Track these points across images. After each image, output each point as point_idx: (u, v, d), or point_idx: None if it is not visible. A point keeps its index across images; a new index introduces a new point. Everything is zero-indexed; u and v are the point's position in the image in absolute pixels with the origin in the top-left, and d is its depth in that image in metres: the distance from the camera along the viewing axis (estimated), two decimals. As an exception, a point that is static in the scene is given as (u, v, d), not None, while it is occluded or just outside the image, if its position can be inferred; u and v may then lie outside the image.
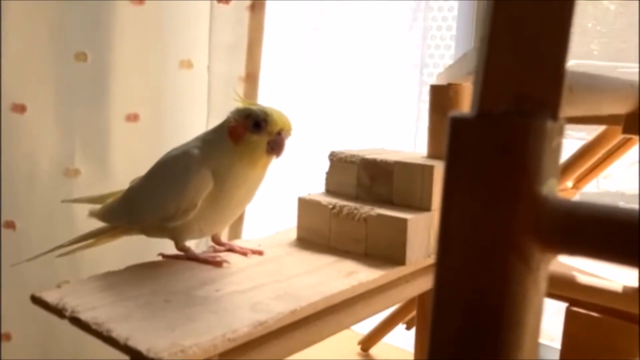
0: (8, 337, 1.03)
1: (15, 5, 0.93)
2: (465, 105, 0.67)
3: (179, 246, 0.62)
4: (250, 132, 0.59)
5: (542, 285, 0.26)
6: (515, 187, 0.24)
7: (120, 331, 0.42)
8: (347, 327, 0.57)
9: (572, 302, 0.65)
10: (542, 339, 1.26)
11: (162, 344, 0.40)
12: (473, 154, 0.25)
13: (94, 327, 0.43)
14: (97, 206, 0.69)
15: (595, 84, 0.34)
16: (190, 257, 0.62)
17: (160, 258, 0.62)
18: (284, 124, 0.61)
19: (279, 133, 0.60)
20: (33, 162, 1.00)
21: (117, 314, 0.45)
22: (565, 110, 0.32)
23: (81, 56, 1.00)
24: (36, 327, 1.03)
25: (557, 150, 0.25)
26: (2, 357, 1.03)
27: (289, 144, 0.62)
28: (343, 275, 0.56)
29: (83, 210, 1.00)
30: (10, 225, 1.01)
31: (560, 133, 0.25)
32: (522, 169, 0.24)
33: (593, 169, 0.75)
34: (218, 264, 0.59)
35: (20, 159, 0.99)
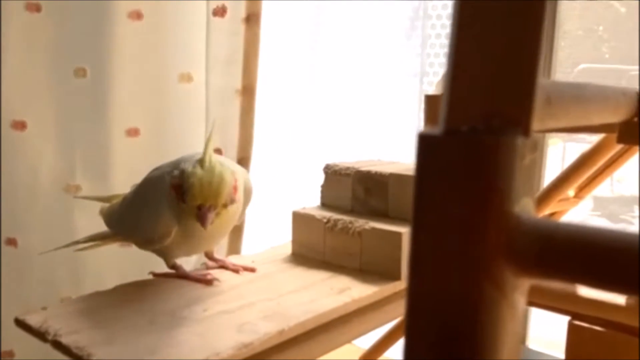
0: (11, 354, 1.03)
1: (15, 21, 0.94)
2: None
3: (169, 264, 0.62)
4: (181, 200, 0.57)
5: (519, 309, 0.25)
6: (485, 207, 0.23)
7: (101, 355, 0.41)
8: (341, 345, 0.56)
9: (575, 315, 0.63)
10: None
11: (142, 368, 0.39)
12: (441, 173, 0.24)
13: (75, 351, 0.42)
14: (106, 205, 0.70)
15: (581, 94, 0.33)
16: (180, 275, 0.61)
17: (151, 276, 0.62)
18: (206, 198, 0.56)
19: (199, 207, 0.56)
20: (34, 178, 1.00)
21: (99, 338, 0.44)
22: (546, 123, 0.31)
23: (80, 72, 1.00)
24: (38, 344, 1.02)
25: (531, 167, 0.24)
26: (6, 375, 1.02)
27: (211, 216, 0.57)
28: (336, 292, 0.55)
29: (84, 226, 1.00)
30: (12, 242, 1.01)
31: (533, 150, 0.24)
32: (492, 189, 0.23)
33: (595, 177, 0.73)
34: (208, 282, 0.58)
35: (20, 176, 0.99)
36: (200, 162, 0.57)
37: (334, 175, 0.69)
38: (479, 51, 0.23)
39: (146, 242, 0.59)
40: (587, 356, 0.63)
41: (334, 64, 1.22)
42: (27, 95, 0.97)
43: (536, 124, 0.28)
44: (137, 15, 0.99)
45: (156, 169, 0.63)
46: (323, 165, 0.71)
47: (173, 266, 0.62)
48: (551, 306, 0.65)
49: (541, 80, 0.26)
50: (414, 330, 0.25)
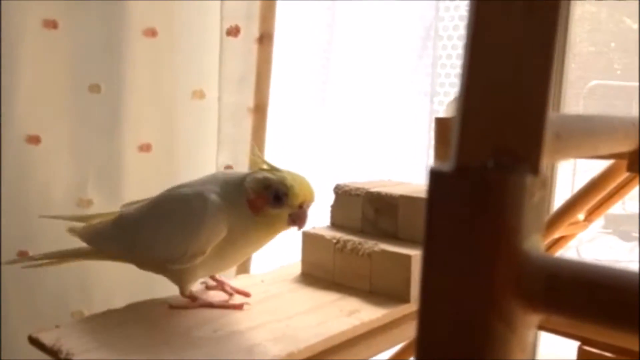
0: (23, 366, 1.04)
1: (32, 37, 0.95)
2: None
3: (185, 293, 0.60)
4: (271, 206, 0.57)
5: (527, 343, 0.25)
6: (494, 244, 0.23)
7: (112, 376, 0.41)
8: (349, 367, 0.56)
9: (584, 341, 0.63)
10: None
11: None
12: (452, 209, 0.24)
13: (87, 371, 0.42)
14: (78, 224, 0.69)
15: (589, 128, 0.33)
16: (203, 305, 0.59)
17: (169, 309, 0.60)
18: (306, 195, 0.58)
19: (300, 206, 0.58)
20: (46, 192, 1.01)
21: (111, 357, 0.44)
22: (555, 157, 0.31)
23: (95, 88, 1.01)
24: (48, 357, 1.03)
25: (540, 205, 0.24)
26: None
27: (310, 214, 0.60)
28: (345, 314, 0.55)
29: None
30: (24, 255, 1.02)
31: (542, 187, 0.25)
32: (501, 226, 0.23)
33: (605, 201, 0.73)
34: (239, 307, 0.58)
35: (34, 190, 1.00)
36: (272, 168, 0.59)
37: (344, 195, 0.70)
38: (490, 89, 0.24)
39: (169, 261, 0.58)
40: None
41: (345, 83, 1.23)
42: (42, 110, 0.98)
43: (545, 159, 0.28)
44: (152, 33, 1.01)
45: (178, 187, 0.63)
46: (333, 185, 0.72)
47: (190, 295, 0.60)
48: (561, 331, 0.65)
49: (550, 115, 0.27)
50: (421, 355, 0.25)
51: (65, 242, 1.01)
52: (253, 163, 0.62)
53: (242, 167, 0.94)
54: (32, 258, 0.71)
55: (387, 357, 0.96)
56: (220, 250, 0.58)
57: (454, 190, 0.24)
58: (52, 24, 0.98)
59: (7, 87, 0.95)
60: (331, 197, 0.72)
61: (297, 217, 0.58)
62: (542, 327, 0.66)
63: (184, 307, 0.59)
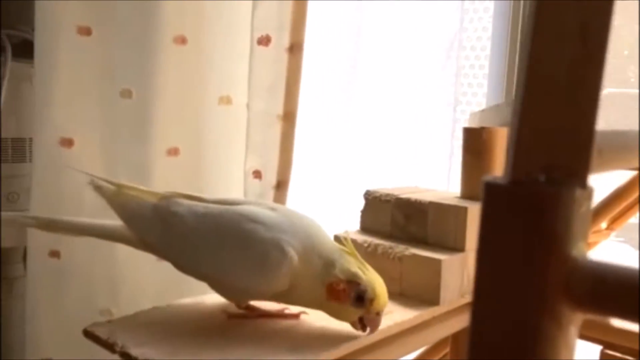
0: (50, 363, 1.07)
1: (67, 43, 0.98)
2: (499, 147, 0.69)
3: (242, 306, 0.61)
4: (350, 303, 0.55)
5: (573, 343, 0.28)
6: (546, 251, 0.26)
7: (166, 368, 0.44)
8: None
9: (607, 345, 0.65)
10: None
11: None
12: (506, 219, 0.27)
13: (141, 362, 0.45)
14: (109, 186, 0.66)
15: (625, 142, 0.35)
16: (260, 314, 0.60)
17: (225, 316, 0.60)
18: (385, 304, 0.56)
19: (377, 313, 0.56)
20: (78, 194, 1.04)
21: (163, 351, 0.47)
22: (596, 171, 0.33)
23: (126, 93, 1.04)
24: (75, 353, 1.06)
25: (586, 214, 0.27)
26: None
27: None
28: (379, 315, 0.58)
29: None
30: (55, 254, 1.04)
31: (589, 199, 0.27)
32: (552, 234, 0.26)
33: (628, 210, 0.75)
34: (294, 316, 0.59)
35: (65, 191, 1.02)
36: (361, 265, 0.57)
37: (374, 201, 0.73)
38: (543, 108, 0.26)
39: (225, 289, 0.58)
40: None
41: (370, 92, 1.26)
42: (75, 114, 1.01)
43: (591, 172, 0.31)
44: (182, 40, 1.03)
45: (250, 220, 0.59)
46: (363, 191, 0.74)
47: (247, 307, 0.60)
48: (584, 335, 0.67)
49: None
50: (475, 350, 0.28)
51: (96, 243, 1.04)
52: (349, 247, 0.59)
53: (270, 172, 0.96)
54: (60, 223, 0.70)
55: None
56: (279, 295, 0.58)
57: (509, 201, 0.27)
58: (86, 31, 1.00)
59: (42, 91, 0.97)
60: (360, 202, 0.75)
61: (372, 323, 0.55)
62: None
63: (243, 317, 0.59)
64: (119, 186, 0.66)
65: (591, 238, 0.77)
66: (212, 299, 0.62)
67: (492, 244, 0.27)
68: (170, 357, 0.46)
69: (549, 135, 0.27)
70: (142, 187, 0.67)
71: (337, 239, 0.62)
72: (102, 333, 0.50)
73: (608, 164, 0.33)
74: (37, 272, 1.02)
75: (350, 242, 0.59)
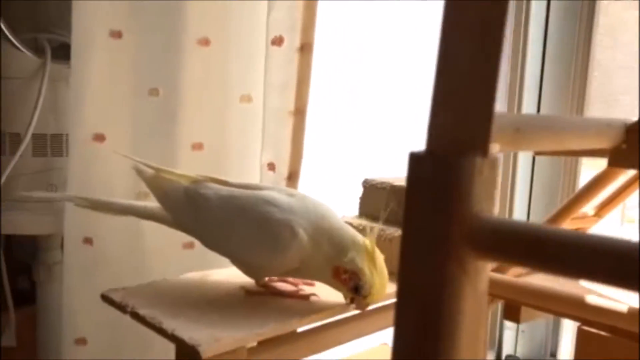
0: (84, 341, 1.15)
1: (100, 46, 1.05)
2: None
3: (260, 283, 0.67)
4: (348, 290, 0.62)
5: (479, 289, 0.33)
6: (452, 208, 0.32)
7: (169, 324, 0.51)
8: (367, 334, 0.64)
9: (584, 321, 0.70)
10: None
11: (201, 335, 0.49)
12: (423, 183, 0.33)
13: (149, 320, 0.52)
14: (148, 169, 0.72)
15: (551, 125, 0.41)
16: (274, 293, 0.65)
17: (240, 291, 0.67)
18: (378, 299, 0.62)
19: (367, 304, 0.62)
20: (109, 186, 1.11)
21: (169, 312, 0.54)
22: (519, 146, 0.39)
23: (154, 92, 1.10)
24: (108, 333, 1.14)
25: (489, 179, 0.33)
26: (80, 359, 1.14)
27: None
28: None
29: (152, 231, 1.12)
30: (89, 241, 1.12)
31: (492, 167, 0.33)
32: (456, 195, 0.32)
33: (615, 197, 0.79)
34: (305, 298, 0.64)
35: (98, 184, 1.10)
36: (372, 259, 0.62)
37: (371, 188, 0.79)
38: (450, 93, 0.32)
39: (242, 264, 0.64)
40: (594, 358, 0.69)
41: (375, 88, 1.32)
42: (107, 111, 1.08)
43: (508, 147, 0.37)
44: (205, 42, 1.10)
45: (268, 203, 0.65)
46: (362, 180, 0.80)
47: (263, 285, 0.66)
48: (564, 312, 0.71)
49: (509, 114, 0.35)
50: (403, 296, 0.34)
51: (127, 233, 1.12)
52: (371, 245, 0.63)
53: (282, 165, 1.03)
54: (107, 204, 0.76)
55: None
56: (290, 271, 0.64)
57: (423, 168, 0.33)
58: (117, 34, 1.07)
59: (77, 90, 1.04)
60: (359, 190, 0.81)
61: (359, 307, 0.62)
62: (548, 310, 0.72)
63: (258, 294, 0.65)
64: (157, 169, 0.73)
65: (578, 224, 0.81)
66: (217, 274, 0.69)
67: (412, 204, 0.33)
68: (174, 318, 0.53)
69: (456, 115, 0.32)
70: (177, 171, 0.74)
71: (362, 232, 0.67)
72: (116, 297, 0.57)
73: (530, 141, 0.38)
74: (72, 258, 1.10)
75: (373, 239, 0.63)
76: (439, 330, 0.32)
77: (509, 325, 1.41)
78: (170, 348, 0.51)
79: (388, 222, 0.76)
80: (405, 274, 0.33)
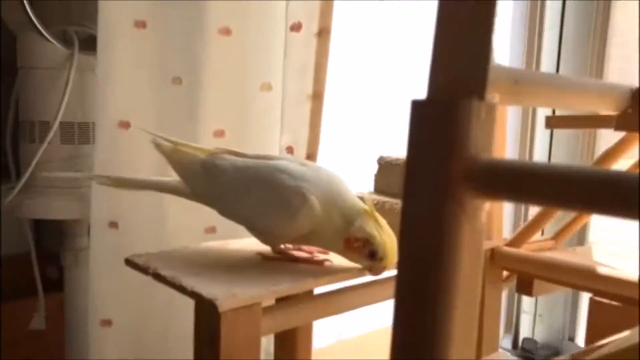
0: (109, 323, 1.18)
1: (125, 36, 1.08)
2: (498, 121, 0.74)
3: (276, 250, 0.69)
4: (363, 257, 0.63)
5: (477, 226, 0.35)
6: (451, 149, 0.34)
7: (188, 282, 0.54)
8: (381, 300, 0.66)
9: (596, 292, 0.71)
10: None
11: (219, 291, 0.51)
12: (424, 126, 0.35)
13: (169, 279, 0.55)
14: (166, 143, 0.75)
15: (551, 81, 0.42)
16: (289, 258, 0.68)
17: (257, 256, 0.69)
18: (392, 262, 0.64)
19: (384, 267, 0.64)
20: (134, 171, 1.14)
21: (189, 273, 0.57)
22: (518, 99, 0.41)
23: (177, 80, 1.13)
24: (134, 316, 1.17)
25: (486, 122, 0.34)
26: (104, 341, 1.17)
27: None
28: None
29: (174, 214, 1.15)
30: (114, 225, 1.16)
31: (490, 111, 0.35)
32: (454, 136, 0.34)
33: (571, 223, 0.81)
34: (319, 263, 0.66)
35: (124, 169, 1.13)
36: (377, 223, 0.64)
37: (386, 165, 0.81)
38: (449, 45, 0.34)
39: (256, 231, 0.66)
40: (606, 328, 0.70)
41: (389, 72, 1.34)
42: (132, 99, 1.10)
43: (507, 98, 0.38)
44: (227, 32, 1.12)
45: (280, 171, 0.67)
46: (377, 157, 0.82)
47: (279, 251, 0.68)
48: (574, 283, 0.72)
49: (510, 67, 0.37)
50: (404, 237, 0.36)
51: (151, 217, 1.15)
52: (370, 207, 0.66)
53: (301, 147, 1.05)
54: (128, 180, 0.80)
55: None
56: (301, 239, 0.66)
57: (426, 113, 0.35)
58: (141, 24, 1.10)
59: (103, 79, 1.07)
60: (375, 167, 0.83)
61: (376, 273, 0.64)
62: (561, 282, 0.74)
63: (274, 259, 0.67)
64: (175, 143, 0.76)
65: (537, 247, 0.82)
66: (236, 243, 0.72)
67: (413, 146, 0.35)
68: (193, 277, 0.55)
69: (453, 63, 0.34)
70: (194, 145, 0.76)
71: (360, 199, 0.68)
72: (139, 260, 0.60)
73: (529, 95, 0.40)
74: (99, 241, 1.13)
75: (371, 203, 0.66)
76: (437, 265, 0.34)
77: (526, 309, 1.41)
78: (192, 333, 0.53)
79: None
80: (407, 214, 0.35)
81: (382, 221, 0.65)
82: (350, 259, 0.65)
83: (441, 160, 0.34)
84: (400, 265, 0.36)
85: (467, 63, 0.34)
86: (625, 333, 0.47)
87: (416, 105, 0.35)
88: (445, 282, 0.34)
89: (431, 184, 0.34)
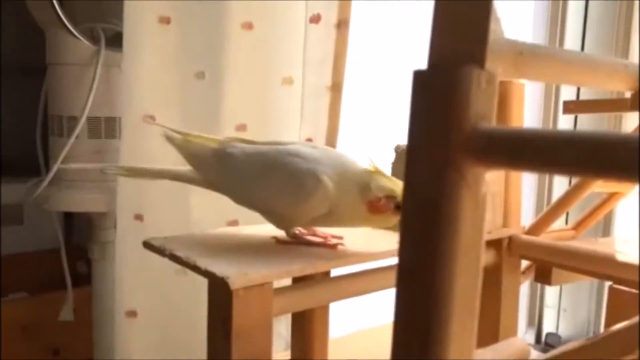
0: (134, 314, 1.20)
1: (150, 31, 1.10)
2: (515, 100, 0.74)
3: (290, 234, 0.69)
4: (390, 212, 0.64)
5: (478, 194, 0.35)
6: (452, 116, 0.34)
7: (202, 262, 0.55)
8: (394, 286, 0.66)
9: (615, 280, 0.70)
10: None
11: (232, 270, 0.52)
12: (425, 94, 0.35)
13: (184, 259, 0.56)
14: (177, 135, 0.76)
15: (557, 55, 0.42)
16: (303, 242, 0.68)
17: (272, 240, 0.70)
18: None
19: None
20: (158, 163, 1.16)
21: (203, 254, 0.58)
22: (523, 71, 0.41)
23: (200, 75, 1.15)
24: (157, 306, 1.19)
25: (487, 91, 0.34)
26: (129, 331, 1.19)
27: None
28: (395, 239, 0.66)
29: (197, 205, 1.17)
30: (139, 217, 1.18)
31: (490, 80, 0.35)
32: (454, 103, 0.34)
33: (592, 213, 0.79)
34: (333, 247, 0.66)
35: (147, 161, 1.15)
36: (387, 177, 0.67)
37: (402, 153, 0.81)
38: (449, 13, 0.35)
39: (270, 216, 0.67)
40: (625, 315, 0.69)
41: (408, 63, 1.33)
42: (156, 93, 1.12)
43: (511, 70, 0.38)
44: (249, 26, 1.14)
45: (291, 155, 0.68)
46: (394, 146, 0.82)
47: (293, 236, 0.69)
48: (592, 271, 0.71)
49: (514, 40, 0.37)
50: (406, 205, 0.36)
51: (175, 209, 1.17)
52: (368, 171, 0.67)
53: (320, 138, 1.06)
54: (143, 170, 0.82)
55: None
56: (323, 221, 0.67)
57: (427, 82, 0.35)
58: (166, 20, 1.12)
59: (128, 73, 1.09)
60: (392, 155, 0.83)
61: None
62: (580, 270, 0.73)
63: (288, 243, 0.68)
64: (185, 134, 0.77)
65: (556, 236, 0.80)
66: (251, 229, 0.72)
67: (415, 115, 0.35)
68: (207, 258, 0.56)
69: (455, 32, 0.35)
70: (204, 135, 0.77)
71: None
72: (156, 243, 0.61)
73: (534, 67, 0.39)
74: (125, 233, 1.16)
75: (373, 163, 0.68)
76: (438, 232, 0.34)
77: (549, 303, 1.39)
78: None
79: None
80: (409, 182, 0.36)
81: (389, 176, 0.67)
82: (379, 225, 0.66)
83: (441, 128, 0.34)
84: (403, 235, 0.36)
85: (467, 32, 0.34)
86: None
87: (417, 74, 0.35)
88: (445, 248, 0.34)
89: (431, 151, 0.34)
